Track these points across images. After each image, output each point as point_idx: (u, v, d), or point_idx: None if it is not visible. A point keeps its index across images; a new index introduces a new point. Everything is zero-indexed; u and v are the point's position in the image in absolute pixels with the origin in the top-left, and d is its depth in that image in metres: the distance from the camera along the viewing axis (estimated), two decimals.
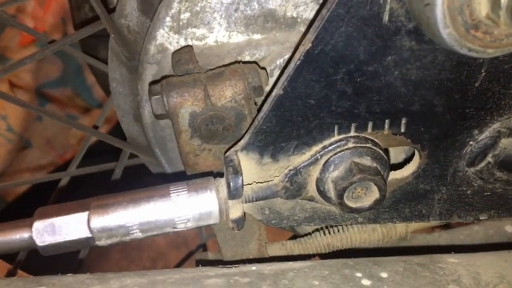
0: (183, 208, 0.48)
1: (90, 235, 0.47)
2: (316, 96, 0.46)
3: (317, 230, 0.68)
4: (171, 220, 0.48)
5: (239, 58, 0.60)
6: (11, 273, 0.87)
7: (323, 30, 0.43)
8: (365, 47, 0.44)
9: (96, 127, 0.83)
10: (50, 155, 1.95)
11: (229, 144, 0.56)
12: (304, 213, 0.54)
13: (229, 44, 0.60)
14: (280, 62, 0.60)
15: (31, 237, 0.46)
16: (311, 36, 0.43)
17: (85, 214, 0.47)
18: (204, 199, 0.48)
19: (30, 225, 0.46)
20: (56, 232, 0.46)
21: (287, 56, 0.59)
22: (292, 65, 0.45)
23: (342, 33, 0.43)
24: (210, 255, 0.66)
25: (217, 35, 0.59)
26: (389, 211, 0.56)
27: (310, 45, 0.44)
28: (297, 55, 0.45)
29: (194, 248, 1.01)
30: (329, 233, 0.66)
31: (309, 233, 0.69)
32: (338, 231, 0.66)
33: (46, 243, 0.46)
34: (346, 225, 0.66)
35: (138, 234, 0.48)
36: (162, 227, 0.48)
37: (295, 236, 0.79)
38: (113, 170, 0.82)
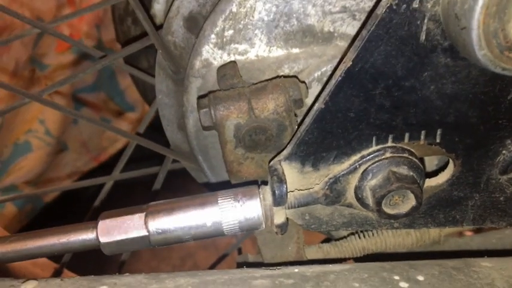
0: (231, 215, 0.51)
1: (147, 234, 0.51)
2: (355, 110, 0.50)
3: (352, 233, 0.71)
4: (219, 226, 0.52)
5: (279, 71, 0.63)
6: (58, 272, 0.93)
7: (363, 50, 0.46)
8: (403, 64, 0.47)
9: (138, 134, 0.88)
10: (85, 156, 2.03)
11: (271, 153, 0.59)
12: (343, 219, 0.58)
13: (270, 58, 0.63)
14: (318, 74, 0.63)
15: (96, 238, 0.51)
16: (351, 55, 0.47)
17: (143, 216, 0.51)
18: (250, 206, 0.52)
19: (95, 227, 0.51)
20: (117, 232, 0.51)
21: (324, 69, 0.63)
22: (333, 81, 0.48)
23: (381, 51, 0.46)
24: (250, 258, 0.70)
25: (258, 50, 0.63)
26: (424, 217, 0.59)
27: (351, 63, 0.47)
28: (338, 72, 0.48)
29: (228, 250, 1.05)
30: (364, 236, 0.69)
31: (345, 237, 0.72)
32: (373, 235, 0.69)
33: (109, 241, 0.51)
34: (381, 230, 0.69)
35: (189, 238, 0.53)
36: (211, 232, 0.52)
37: (328, 239, 0.82)
38: (153, 175, 0.87)
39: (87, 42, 1.84)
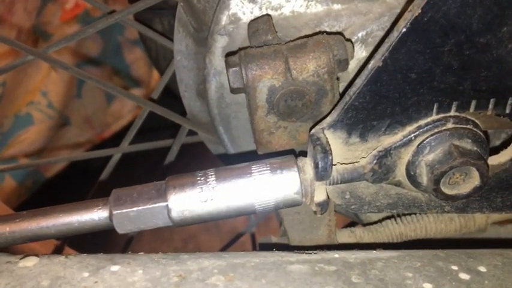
0: (266, 189, 0.44)
1: (165, 204, 0.44)
2: (418, 70, 0.42)
3: (387, 217, 0.64)
4: (252, 201, 0.44)
5: (317, 30, 0.55)
6: (58, 249, 0.86)
7: None
8: (480, 15, 0.39)
9: (152, 100, 0.80)
10: (88, 133, 1.96)
11: (307, 122, 0.52)
12: (388, 199, 0.50)
13: (307, 14, 0.55)
14: (362, 34, 0.55)
15: (109, 214, 0.43)
16: (421, 1, 0.39)
17: (162, 188, 0.44)
18: (288, 180, 0.44)
19: (106, 202, 0.43)
20: (133, 203, 0.43)
21: (369, 29, 0.55)
22: (395, 34, 0.40)
23: None
24: (274, 239, 0.63)
25: (295, 4, 0.55)
26: (480, 200, 0.51)
27: (420, 11, 0.39)
28: (402, 22, 0.40)
29: (244, 230, 0.98)
30: (402, 221, 0.62)
31: (377, 221, 0.65)
32: (412, 220, 0.62)
33: (123, 212, 0.43)
34: (421, 214, 0.62)
35: (216, 216, 0.45)
36: (241, 209, 0.45)
37: (353, 223, 0.75)
38: (163, 150, 0.79)
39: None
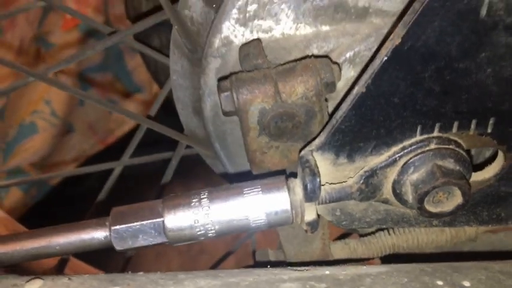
0: (258, 210, 0.46)
1: (166, 240, 0.46)
2: (400, 95, 0.44)
3: (380, 229, 0.66)
4: (244, 222, 0.46)
5: (306, 51, 0.57)
6: (63, 261, 0.88)
7: (415, 25, 0.40)
8: (458, 42, 0.41)
9: (150, 117, 0.82)
10: (91, 139, 1.98)
11: (298, 142, 0.54)
12: (377, 215, 0.52)
13: (296, 36, 0.57)
14: (350, 55, 0.57)
15: (108, 233, 0.46)
16: (401, 31, 0.41)
17: (159, 206, 0.46)
18: (279, 201, 0.46)
19: (105, 225, 0.46)
20: (132, 218, 0.46)
21: (357, 49, 0.57)
22: (377, 62, 0.42)
23: (435, 27, 0.40)
24: (271, 254, 0.65)
25: (285, 27, 0.57)
26: (467, 214, 0.53)
27: (400, 40, 0.41)
28: (384, 51, 0.42)
29: (236, 244, 1.00)
30: (394, 233, 0.64)
31: (372, 233, 0.67)
32: (404, 231, 0.64)
33: (122, 228, 0.46)
34: None
35: (210, 235, 0.48)
36: (236, 227, 0.47)
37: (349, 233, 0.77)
38: (162, 164, 0.81)
39: (95, 18, 1.77)
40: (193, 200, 0.46)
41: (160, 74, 0.93)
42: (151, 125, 0.73)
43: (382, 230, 0.65)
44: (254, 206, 0.46)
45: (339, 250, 0.63)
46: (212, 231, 0.47)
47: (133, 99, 2.04)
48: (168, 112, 0.87)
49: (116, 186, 0.82)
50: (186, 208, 0.46)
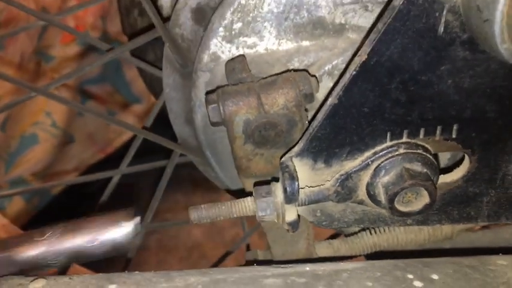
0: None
1: None
2: (370, 105, 0.48)
3: (363, 229, 0.70)
4: None
5: (288, 65, 0.62)
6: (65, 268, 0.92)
7: (379, 43, 0.44)
8: (420, 57, 0.46)
9: (145, 128, 0.87)
10: (91, 149, 2.02)
11: (281, 149, 0.58)
12: (355, 216, 0.56)
13: (279, 51, 0.62)
14: (329, 67, 0.61)
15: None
16: (367, 48, 0.45)
17: None
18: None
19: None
20: None
21: (335, 62, 0.61)
22: (347, 76, 0.47)
23: (398, 45, 0.45)
24: (260, 254, 0.69)
25: (268, 43, 0.61)
26: (438, 213, 0.57)
27: (366, 56, 0.45)
28: (352, 66, 0.46)
29: (235, 245, 1.04)
30: (375, 232, 0.68)
31: (355, 232, 0.71)
32: (384, 231, 0.68)
33: None
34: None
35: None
36: None
37: (337, 234, 0.81)
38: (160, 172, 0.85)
39: (93, 34, 1.82)
40: None
41: (155, 87, 0.98)
42: (146, 135, 0.78)
43: (365, 230, 0.69)
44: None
45: (324, 249, 0.67)
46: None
47: (132, 109, 2.08)
48: (164, 123, 0.92)
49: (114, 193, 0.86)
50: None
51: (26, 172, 1.79)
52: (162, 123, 0.93)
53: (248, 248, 1.02)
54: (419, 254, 0.73)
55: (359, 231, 0.70)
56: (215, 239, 1.98)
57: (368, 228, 0.69)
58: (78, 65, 1.93)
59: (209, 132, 0.69)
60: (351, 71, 0.46)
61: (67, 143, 1.94)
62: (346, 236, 0.72)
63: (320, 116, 0.49)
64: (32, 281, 0.49)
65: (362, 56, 0.45)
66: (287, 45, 0.61)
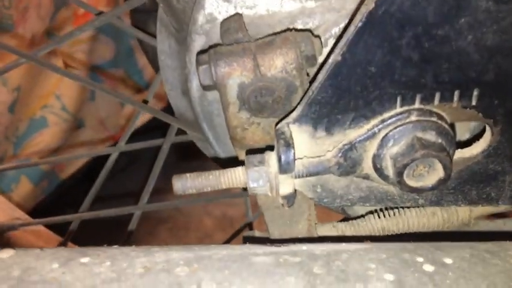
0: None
1: None
2: (377, 63, 0.42)
3: (371, 212, 0.64)
4: None
5: (291, 27, 0.56)
6: (62, 245, 0.89)
7: None
8: (435, 7, 0.40)
9: (145, 102, 0.83)
10: (102, 134, 2.00)
11: (279, 117, 0.53)
12: (359, 193, 0.51)
13: (281, 12, 0.56)
14: (336, 31, 0.55)
15: None
16: None
17: None
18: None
19: None
20: None
21: (343, 25, 0.55)
22: (352, 29, 0.41)
23: None
24: (257, 233, 0.64)
25: (269, 2, 0.56)
26: (454, 193, 0.51)
27: (374, 5, 0.39)
28: (358, 17, 0.41)
29: (242, 226, 0.99)
30: (384, 216, 0.62)
31: (362, 216, 0.65)
32: (394, 214, 0.62)
33: None
34: (403, 208, 0.62)
35: None
36: None
37: (344, 219, 0.75)
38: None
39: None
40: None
41: (156, 60, 0.93)
42: (143, 108, 0.74)
43: (372, 213, 0.64)
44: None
45: (327, 232, 0.62)
46: None
47: (144, 95, 2.05)
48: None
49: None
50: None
51: (34, 156, 1.77)
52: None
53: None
54: (431, 239, 0.67)
55: (366, 213, 0.64)
56: (227, 230, 1.95)
57: (376, 211, 0.63)
58: (90, 48, 1.90)
59: (205, 103, 0.64)
60: (356, 22, 0.41)
61: (77, 128, 1.92)
62: (353, 219, 0.66)
63: (321, 77, 0.44)
64: None
65: (369, 5, 0.40)
66: (290, 5, 0.56)
